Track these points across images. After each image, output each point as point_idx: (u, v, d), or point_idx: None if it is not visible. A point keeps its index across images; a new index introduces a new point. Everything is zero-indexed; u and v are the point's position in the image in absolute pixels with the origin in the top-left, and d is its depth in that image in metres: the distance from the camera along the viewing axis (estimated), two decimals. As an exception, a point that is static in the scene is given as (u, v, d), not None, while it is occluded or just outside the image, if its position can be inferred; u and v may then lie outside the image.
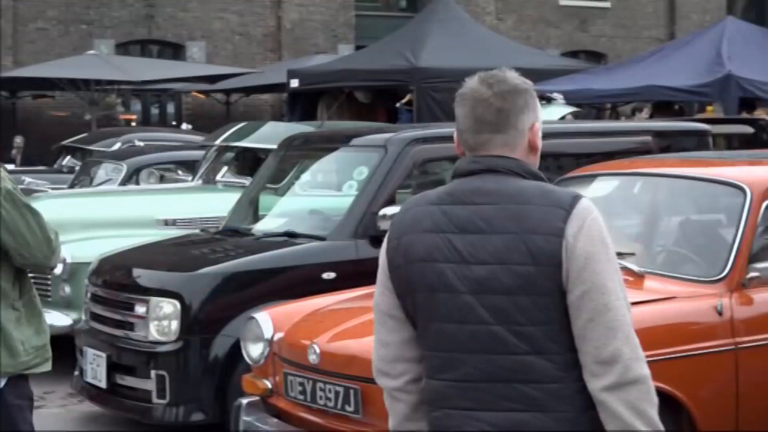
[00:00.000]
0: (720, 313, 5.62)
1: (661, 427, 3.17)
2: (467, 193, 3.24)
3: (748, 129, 12.73)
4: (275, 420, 6.02)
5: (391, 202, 7.72)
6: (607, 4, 34.78)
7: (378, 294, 3.41)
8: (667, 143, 8.84)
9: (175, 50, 28.68)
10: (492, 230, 3.15)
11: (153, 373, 7.25)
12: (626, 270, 6.01)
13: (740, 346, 5.61)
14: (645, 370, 3.17)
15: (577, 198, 3.18)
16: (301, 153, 9.30)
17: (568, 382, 3.12)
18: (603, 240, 3.15)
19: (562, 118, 16.00)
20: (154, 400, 7.27)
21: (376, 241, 7.64)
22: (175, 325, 7.24)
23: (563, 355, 3.12)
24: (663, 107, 17.95)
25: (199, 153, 13.36)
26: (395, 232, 3.37)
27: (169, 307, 7.26)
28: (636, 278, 5.94)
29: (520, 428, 3.13)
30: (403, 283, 3.29)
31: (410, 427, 3.40)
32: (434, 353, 3.23)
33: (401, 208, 3.43)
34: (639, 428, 3.11)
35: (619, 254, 6.18)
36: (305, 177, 9.04)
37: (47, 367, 4.66)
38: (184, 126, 23.88)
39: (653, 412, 3.15)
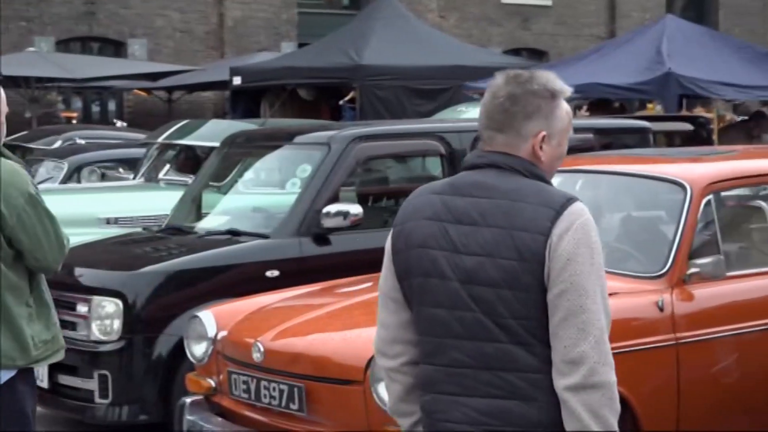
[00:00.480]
0: (661, 309, 5.66)
1: None
2: (468, 185, 3.34)
3: (688, 126, 12.86)
4: (219, 419, 5.99)
5: (334, 199, 7.71)
6: (549, 2, 34.84)
7: (382, 277, 3.49)
8: (609, 141, 8.91)
9: (116, 47, 28.32)
10: (485, 223, 3.25)
11: (95, 372, 7.19)
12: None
13: (681, 341, 5.65)
14: (610, 377, 3.21)
15: (570, 201, 3.27)
16: (244, 151, 9.27)
17: (549, 373, 3.19)
18: (588, 244, 3.23)
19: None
20: (97, 400, 7.21)
21: (319, 239, 7.65)
22: (117, 324, 7.17)
23: (543, 348, 3.20)
24: (601, 105, 18.07)
25: (141, 151, 13.28)
26: (400, 218, 3.46)
27: (111, 306, 7.19)
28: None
29: (502, 415, 3.22)
30: (403, 267, 3.39)
31: (404, 408, 3.50)
32: (426, 338, 3.34)
33: (410, 196, 3.50)
34: (594, 431, 3.16)
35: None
36: (248, 175, 9.00)
37: (58, 357, 4.81)
38: (119, 124, 23.67)
39: (612, 418, 3.21)
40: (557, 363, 3.17)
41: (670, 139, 12.39)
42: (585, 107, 18.86)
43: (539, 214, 3.22)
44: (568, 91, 3.42)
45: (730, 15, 37.47)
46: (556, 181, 7.01)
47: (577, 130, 9.52)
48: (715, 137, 14.38)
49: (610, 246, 6.48)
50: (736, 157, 7.41)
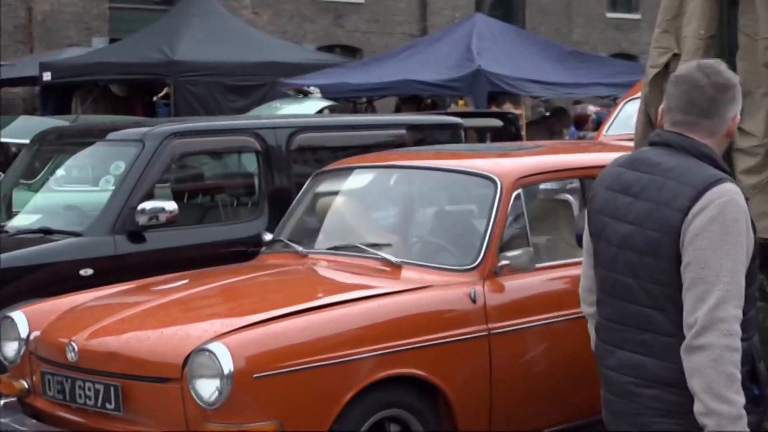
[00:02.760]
0: (474, 301, 5.74)
1: (727, 406, 3.40)
2: (640, 161, 3.72)
3: (498, 122, 13.09)
4: (33, 420, 5.85)
5: (149, 196, 7.60)
6: (362, 0, 35.12)
7: (585, 233, 3.94)
8: (422, 136, 9.00)
9: None
10: (641, 197, 3.61)
11: None
12: (383, 260, 6.12)
13: (493, 332, 5.74)
14: (718, 340, 3.41)
15: (717, 182, 3.53)
16: (55, 148, 9.05)
17: (681, 338, 3.46)
18: (723, 222, 3.46)
19: (320, 111, 16.11)
20: None
21: (134, 237, 7.54)
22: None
23: (677, 314, 3.49)
24: (413, 101, 18.29)
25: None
26: (595, 184, 3.92)
27: None
28: (393, 268, 6.04)
29: (639, 371, 3.61)
30: (591, 227, 3.86)
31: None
32: (598, 292, 3.83)
33: (618, 163, 3.85)
34: (695, 390, 3.42)
35: (376, 245, 6.33)
36: (60, 172, 8.80)
37: None
38: None
39: (716, 379, 3.40)
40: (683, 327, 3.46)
41: (481, 135, 12.60)
42: (397, 103, 19.08)
43: (683, 192, 3.50)
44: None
45: (535, 14, 38.30)
46: (368, 177, 7.15)
47: (389, 126, 9.74)
48: (523, 132, 14.69)
49: (424, 240, 6.58)
50: (543, 152, 7.54)
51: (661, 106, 3.77)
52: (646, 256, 3.58)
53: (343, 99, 17.81)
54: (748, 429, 3.45)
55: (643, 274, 3.59)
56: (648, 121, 5.01)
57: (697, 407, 3.42)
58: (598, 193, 3.84)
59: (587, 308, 4.03)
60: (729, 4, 4.65)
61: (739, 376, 3.41)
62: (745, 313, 3.50)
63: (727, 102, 3.65)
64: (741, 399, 3.41)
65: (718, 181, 3.52)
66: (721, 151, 3.70)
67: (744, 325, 3.49)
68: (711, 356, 3.39)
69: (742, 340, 3.48)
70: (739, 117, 3.71)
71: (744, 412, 3.42)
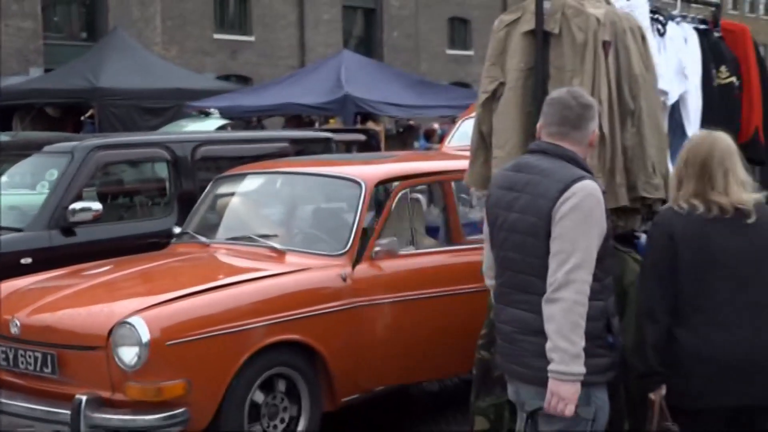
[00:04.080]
0: (344, 280, 5.74)
1: (571, 346, 3.52)
2: (522, 165, 3.81)
3: (362, 137, 13.11)
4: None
5: (78, 198, 7.44)
6: (252, 38, 34.87)
7: (485, 223, 4.03)
8: (301, 148, 8.95)
9: None
10: (524, 192, 3.70)
11: None
12: (271, 248, 6.07)
13: (359, 304, 5.75)
14: (569, 295, 3.54)
15: (580, 179, 3.64)
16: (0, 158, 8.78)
17: None
18: (582, 209, 3.59)
19: (221, 128, 15.95)
20: None
21: (66, 231, 7.40)
22: None
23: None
24: (295, 119, 18.24)
25: None
26: (490, 185, 4.05)
27: None
28: (279, 254, 6.01)
29: (522, 322, 3.71)
30: (488, 218, 3.93)
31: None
32: (496, 267, 3.90)
33: (507, 168, 3.93)
34: (548, 329, 3.56)
35: (265, 236, 6.28)
36: (3, 179, 8.48)
37: None
38: None
39: (564, 325, 3.53)
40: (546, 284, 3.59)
41: (348, 147, 12.60)
42: (283, 122, 18.99)
43: (554, 186, 3.60)
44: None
45: (391, 51, 38.57)
46: (258, 181, 7.08)
47: (275, 140, 9.65)
48: (382, 145, 14.75)
49: (304, 231, 6.54)
50: (398, 160, 7.59)
51: (539, 123, 3.85)
52: (528, 236, 3.66)
53: (238, 118, 17.66)
54: (583, 368, 3.52)
55: (527, 251, 3.67)
56: (480, 135, 5.03)
57: (548, 345, 3.53)
58: (492, 192, 3.91)
59: (489, 281, 4.08)
60: (542, 42, 4.70)
61: (583, 324, 3.52)
62: (602, 279, 3.66)
63: (590, 118, 3.78)
64: (581, 342, 3.51)
65: (580, 179, 3.62)
66: (586, 157, 3.81)
67: (601, 289, 3.65)
68: (563, 307, 3.51)
69: (599, 300, 3.62)
70: (597, 131, 3.85)
71: (583, 353, 3.51)
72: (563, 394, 3.51)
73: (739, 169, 3.88)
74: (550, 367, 3.51)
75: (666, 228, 3.83)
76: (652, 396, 3.88)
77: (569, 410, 3.53)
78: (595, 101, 3.91)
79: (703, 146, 3.89)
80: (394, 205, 6.21)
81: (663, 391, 3.86)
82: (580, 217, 3.56)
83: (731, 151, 3.90)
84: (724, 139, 3.93)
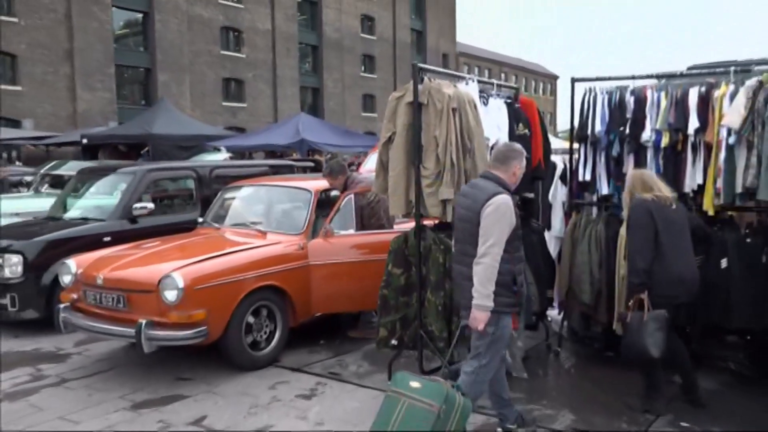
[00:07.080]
0: (301, 249, 5.72)
1: (485, 290, 3.53)
2: (473, 183, 3.78)
3: (311, 164, 13.01)
4: (80, 314, 5.51)
5: (139, 200, 7.30)
6: (245, 105, 34.37)
7: (454, 219, 3.98)
8: (275, 171, 8.89)
9: (14, 124, 25.12)
10: (470, 198, 3.67)
11: (8, 294, 6.43)
12: (258, 230, 6.01)
13: (310, 264, 5.73)
14: (488, 261, 3.51)
15: (498, 193, 3.61)
16: (91, 176, 8.48)
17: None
18: (497, 211, 3.55)
19: (227, 158, 15.67)
20: (9, 308, 6.44)
21: (132, 221, 7.24)
22: (20, 268, 6.43)
23: (477, 249, 3.57)
24: (271, 153, 17.97)
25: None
26: (458, 194, 3.92)
27: (16, 258, 6.44)
28: (262, 234, 5.95)
29: (463, 273, 3.67)
30: (455, 216, 3.84)
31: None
32: (454, 243, 3.84)
33: (466, 185, 3.86)
34: (474, 284, 3.53)
35: (254, 223, 6.18)
36: (93, 188, 8.24)
37: None
38: (17, 163, 20.92)
39: (485, 280, 3.51)
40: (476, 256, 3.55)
41: (303, 171, 12.47)
42: (264, 155, 18.68)
43: (483, 197, 3.59)
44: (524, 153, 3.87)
45: (329, 113, 38.36)
46: (250, 190, 6.97)
47: (260, 165, 9.50)
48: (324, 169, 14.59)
49: (278, 220, 6.48)
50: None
51: (489, 160, 3.92)
52: (467, 224, 3.64)
53: (237, 152, 17.39)
54: (492, 303, 3.58)
55: (467, 232, 3.65)
56: (381, 163, 4.95)
57: (473, 290, 3.56)
58: (458, 200, 3.85)
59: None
60: (417, 109, 4.69)
61: (494, 279, 3.55)
62: (512, 252, 3.64)
63: (513, 158, 3.76)
64: (492, 288, 3.56)
65: (499, 193, 3.62)
66: (513, 182, 3.77)
67: (510, 259, 3.62)
68: (483, 267, 3.53)
69: (508, 263, 3.61)
70: (519, 167, 3.79)
71: (493, 294, 3.56)
72: (478, 317, 3.57)
73: (660, 182, 4.28)
74: (473, 301, 3.56)
75: (646, 208, 4.12)
76: (642, 296, 4.13)
77: (480, 327, 3.60)
78: (519, 146, 3.88)
79: (637, 174, 4.31)
80: (330, 204, 6.18)
81: (646, 293, 4.11)
82: (497, 216, 3.55)
83: (648, 174, 4.32)
84: (642, 171, 4.37)
